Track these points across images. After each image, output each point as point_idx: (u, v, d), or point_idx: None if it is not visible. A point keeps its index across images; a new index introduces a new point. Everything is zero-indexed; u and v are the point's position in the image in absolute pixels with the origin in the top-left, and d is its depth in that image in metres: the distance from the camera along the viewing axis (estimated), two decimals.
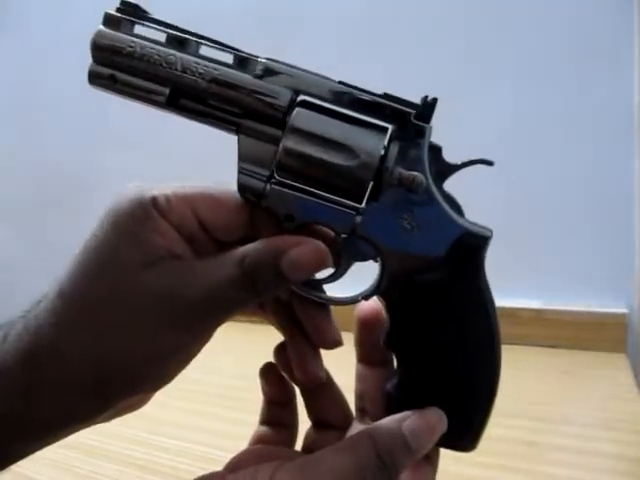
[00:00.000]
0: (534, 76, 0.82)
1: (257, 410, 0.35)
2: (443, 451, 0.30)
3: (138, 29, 0.28)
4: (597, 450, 0.52)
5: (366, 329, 0.32)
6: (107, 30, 0.28)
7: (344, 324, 0.32)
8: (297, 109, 0.28)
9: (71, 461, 0.53)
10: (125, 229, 0.26)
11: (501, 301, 0.30)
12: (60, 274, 0.27)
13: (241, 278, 0.26)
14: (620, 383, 0.68)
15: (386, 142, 0.28)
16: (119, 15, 0.28)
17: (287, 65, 0.28)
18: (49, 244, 1.10)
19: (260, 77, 0.28)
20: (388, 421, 0.28)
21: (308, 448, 0.33)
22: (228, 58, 0.28)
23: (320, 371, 0.32)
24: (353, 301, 0.30)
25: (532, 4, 0.81)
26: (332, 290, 0.30)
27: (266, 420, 0.35)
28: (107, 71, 0.28)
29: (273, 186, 0.28)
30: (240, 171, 0.28)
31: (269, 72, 0.28)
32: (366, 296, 0.30)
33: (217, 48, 0.28)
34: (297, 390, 0.34)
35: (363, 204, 0.28)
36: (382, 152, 0.27)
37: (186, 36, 0.28)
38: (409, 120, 0.28)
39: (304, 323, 0.31)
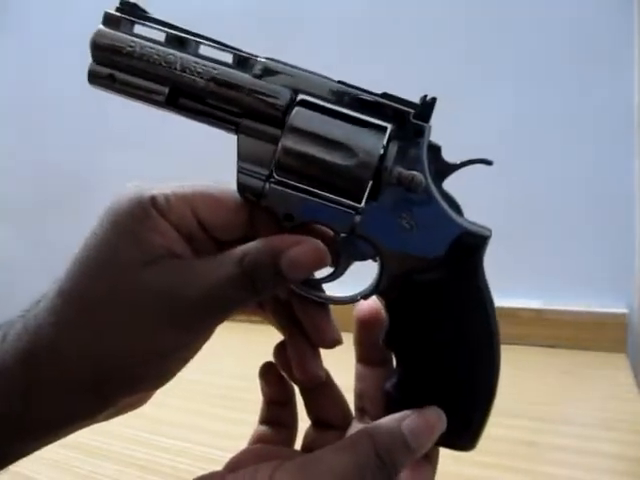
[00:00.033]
0: (535, 77, 0.82)
1: (257, 410, 0.35)
2: (443, 451, 0.30)
3: (138, 29, 0.28)
4: (597, 450, 0.52)
5: (365, 328, 0.32)
6: (107, 30, 0.28)
7: (343, 324, 0.32)
8: (296, 108, 0.28)
9: (71, 461, 0.53)
10: (124, 228, 0.27)
11: (501, 301, 0.30)
12: (60, 274, 0.27)
13: (240, 277, 0.26)
14: (620, 383, 0.68)
15: (385, 141, 0.28)
16: (119, 15, 0.28)
17: (286, 65, 0.28)
18: (49, 244, 1.10)
19: (259, 76, 0.28)
20: (387, 420, 0.28)
21: (307, 447, 0.33)
22: (228, 58, 0.28)
23: (319, 370, 0.32)
24: (352, 300, 0.30)
25: (533, 5, 0.81)
26: (331, 289, 0.30)
27: (265, 419, 0.35)
28: (107, 70, 0.28)
29: (272, 185, 0.28)
30: (239, 170, 0.28)
31: (268, 72, 0.28)
32: (365, 295, 0.30)
33: (216, 48, 0.28)
34: (297, 389, 0.34)
35: (362, 203, 0.28)
36: (381, 151, 0.27)
37: (185, 36, 0.28)
38: (408, 119, 0.28)
39: (303, 322, 0.31)
